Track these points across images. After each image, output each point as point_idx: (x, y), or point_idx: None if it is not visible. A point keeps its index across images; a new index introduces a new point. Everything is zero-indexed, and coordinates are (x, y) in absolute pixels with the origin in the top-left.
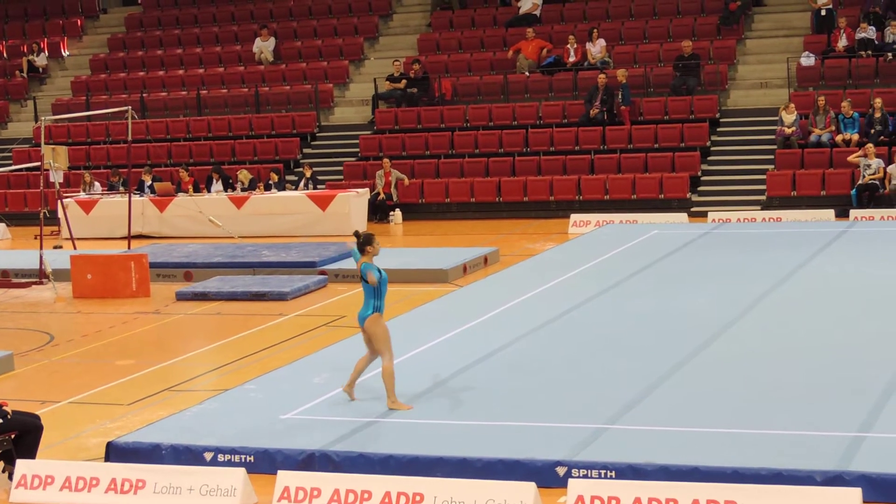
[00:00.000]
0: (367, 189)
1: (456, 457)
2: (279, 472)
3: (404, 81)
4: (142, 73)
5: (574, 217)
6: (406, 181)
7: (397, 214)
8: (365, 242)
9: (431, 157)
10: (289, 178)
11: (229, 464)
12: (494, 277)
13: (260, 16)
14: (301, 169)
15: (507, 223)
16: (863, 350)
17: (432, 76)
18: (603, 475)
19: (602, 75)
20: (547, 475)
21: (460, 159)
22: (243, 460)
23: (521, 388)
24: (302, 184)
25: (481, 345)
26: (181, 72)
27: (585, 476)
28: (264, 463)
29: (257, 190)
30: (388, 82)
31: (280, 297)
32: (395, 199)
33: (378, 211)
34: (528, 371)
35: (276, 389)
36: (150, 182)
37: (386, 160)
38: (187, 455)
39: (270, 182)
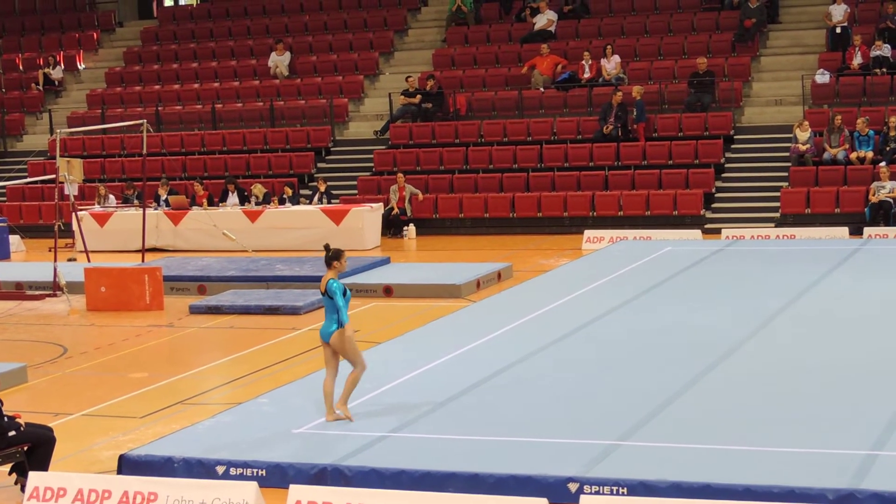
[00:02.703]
0: (381, 204)
1: (468, 472)
2: (291, 486)
3: (419, 97)
4: (157, 87)
5: (588, 233)
6: (420, 196)
7: (411, 229)
8: (333, 258)
9: (445, 172)
10: (303, 192)
11: (241, 477)
12: (508, 293)
13: (275, 30)
14: (315, 183)
15: (521, 239)
16: (876, 368)
17: (447, 91)
18: (615, 492)
19: (617, 94)
20: (559, 491)
21: (474, 174)
22: (255, 474)
23: (533, 403)
24: (316, 198)
25: (494, 360)
26: (196, 85)
27: (597, 492)
28: (276, 477)
29: (272, 204)
30: (402, 97)
31: (293, 311)
32: (408, 213)
33: (392, 226)
34: (541, 387)
35: (288, 403)
36: (165, 196)
37: (400, 175)
38: (199, 468)
39: (285, 196)
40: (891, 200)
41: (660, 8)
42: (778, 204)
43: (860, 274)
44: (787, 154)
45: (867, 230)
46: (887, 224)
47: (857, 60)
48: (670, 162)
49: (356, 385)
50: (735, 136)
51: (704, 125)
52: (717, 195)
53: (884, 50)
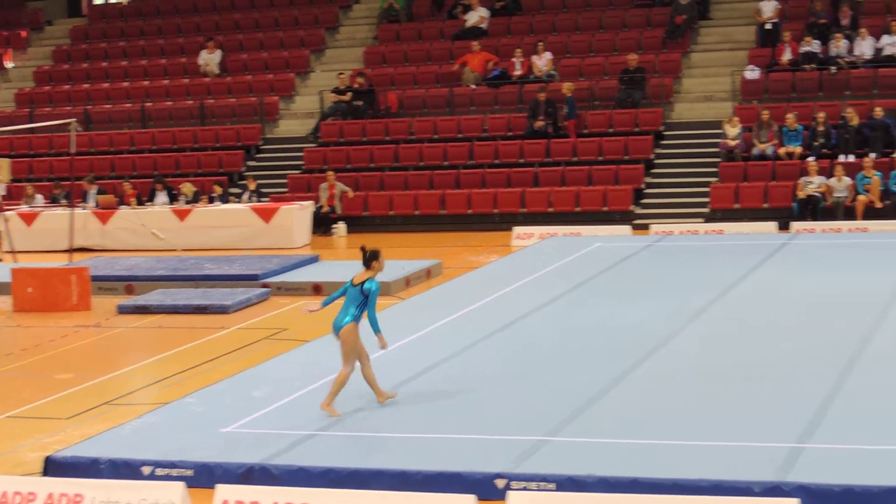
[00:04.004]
0: (311, 202)
1: (395, 469)
2: (218, 485)
3: (350, 94)
4: (86, 86)
5: (517, 230)
6: (350, 194)
7: (341, 227)
8: (371, 258)
9: (376, 169)
10: (232, 190)
11: (168, 478)
12: (437, 290)
13: (206, 28)
14: (245, 181)
15: (451, 236)
16: (802, 361)
17: (378, 89)
18: (543, 487)
19: (542, 92)
20: (486, 488)
21: (405, 172)
22: (182, 474)
23: (462, 400)
24: (246, 196)
25: (423, 358)
26: (126, 84)
27: (525, 488)
28: (203, 477)
29: (201, 203)
30: (333, 95)
31: (222, 310)
32: (338, 211)
33: (322, 224)
34: (470, 383)
35: (216, 403)
36: (94, 191)
37: (330, 173)
38: (126, 469)
39: (214, 195)
40: (819, 195)
41: (591, 5)
42: (707, 199)
43: (788, 269)
44: (716, 150)
45: (795, 225)
46: (815, 219)
47: (787, 56)
48: (600, 158)
49: (343, 387)
50: (665, 132)
51: (635, 121)
52: (646, 191)
53: (813, 46)
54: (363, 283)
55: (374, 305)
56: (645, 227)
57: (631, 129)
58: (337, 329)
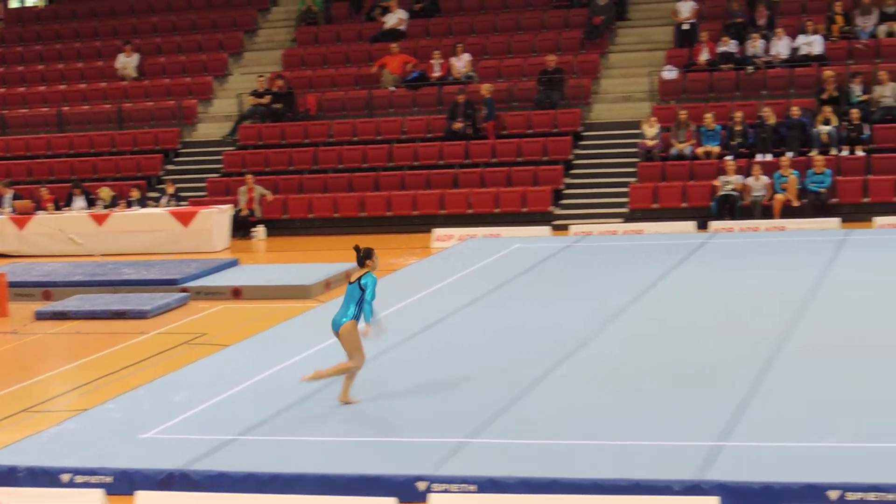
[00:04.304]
0: (231, 205)
1: (317, 473)
2: (137, 492)
3: (268, 97)
4: (2, 90)
5: (437, 231)
6: (269, 197)
7: (260, 230)
8: (365, 257)
9: (295, 172)
10: (151, 194)
11: (87, 485)
12: None
13: (123, 31)
14: (163, 185)
15: (371, 238)
16: (721, 360)
17: (297, 91)
18: (464, 489)
19: (461, 93)
20: (408, 490)
21: (324, 175)
22: (102, 481)
23: (383, 403)
24: (164, 200)
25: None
26: (43, 88)
27: (446, 490)
28: (123, 484)
29: (119, 207)
30: (252, 98)
31: (141, 315)
32: (258, 215)
33: (241, 227)
34: (390, 386)
35: (135, 409)
36: (10, 196)
37: (249, 176)
38: (44, 477)
39: (132, 198)
40: (736, 194)
41: (509, 6)
42: (626, 199)
43: (706, 268)
44: (634, 150)
45: (713, 224)
46: (733, 218)
47: (704, 56)
48: (519, 159)
49: (354, 377)
50: (584, 133)
51: (553, 122)
52: (565, 192)
53: (730, 46)
54: (360, 279)
55: (372, 296)
56: (564, 227)
57: (550, 130)
58: (336, 327)
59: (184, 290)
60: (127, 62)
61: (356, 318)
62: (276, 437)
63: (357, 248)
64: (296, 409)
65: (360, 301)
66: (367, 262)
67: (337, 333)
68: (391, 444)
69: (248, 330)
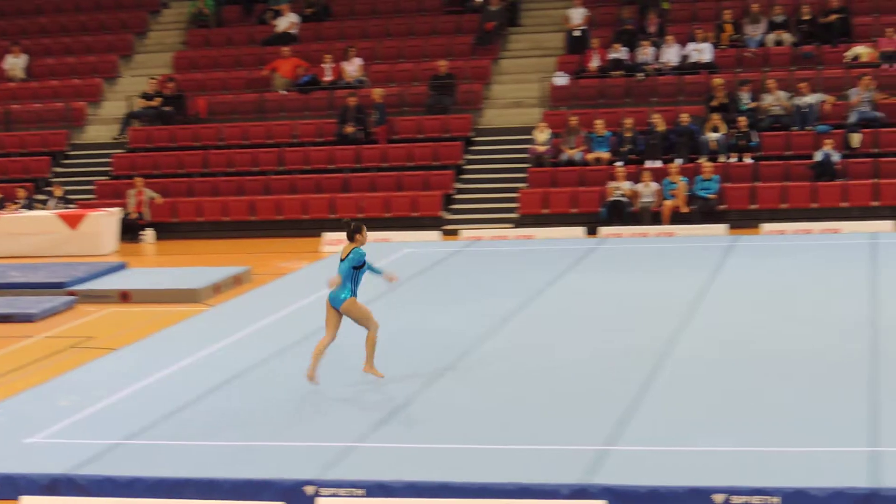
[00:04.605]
0: (119, 208)
1: (204, 478)
2: (21, 497)
3: (159, 99)
4: None
5: (327, 236)
6: (158, 200)
7: (149, 234)
8: (355, 231)
9: (185, 175)
10: (38, 197)
11: None
12: (246, 297)
13: (11, 32)
14: (51, 188)
15: (261, 242)
16: (610, 364)
17: (187, 94)
18: (352, 493)
19: (352, 97)
20: (295, 495)
21: (214, 178)
22: None
23: (271, 407)
24: (52, 203)
25: (232, 364)
26: None
27: (334, 495)
28: (7, 488)
29: (5, 209)
30: (142, 100)
31: (27, 318)
32: (147, 218)
33: (130, 230)
34: (279, 390)
35: (20, 413)
36: None
37: (138, 179)
38: None
39: (18, 201)
40: (626, 200)
41: (401, 11)
42: (516, 205)
43: (596, 273)
44: (525, 155)
45: (603, 230)
46: (622, 223)
47: (595, 63)
48: (410, 164)
49: (375, 346)
50: (475, 138)
51: (444, 127)
52: (456, 196)
53: (621, 53)
54: (349, 255)
55: (369, 265)
56: (455, 232)
57: (441, 135)
58: (337, 304)
59: (71, 294)
60: (15, 63)
61: (354, 294)
62: (163, 441)
63: (347, 223)
64: (183, 412)
65: (355, 279)
66: (357, 236)
67: (335, 310)
68: (279, 448)
69: (136, 334)
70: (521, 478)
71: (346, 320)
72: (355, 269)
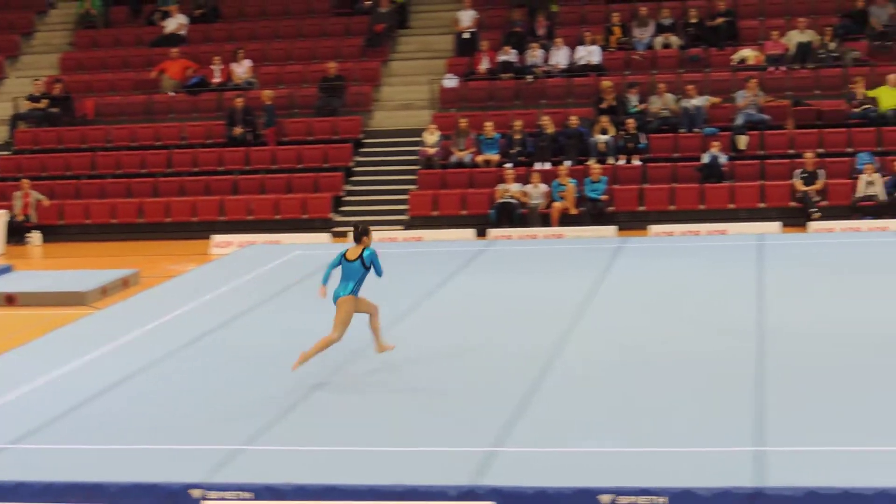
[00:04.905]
0: (5, 210)
1: (90, 482)
2: None
3: (46, 101)
4: None
5: (216, 238)
6: (45, 202)
7: (36, 236)
8: (362, 233)
9: (72, 177)
10: None
11: None
12: (134, 299)
13: None
14: None
15: (149, 244)
16: (499, 365)
17: (74, 96)
18: (240, 497)
19: (239, 99)
20: (182, 498)
21: (102, 180)
22: None
23: (157, 410)
24: None
25: (119, 368)
26: None
27: (221, 498)
28: None
29: None
30: (28, 102)
31: None
32: (33, 220)
33: (16, 233)
34: (167, 393)
35: None
36: None
37: (25, 181)
38: None
39: None
40: (515, 202)
41: (291, 13)
42: (406, 207)
43: (485, 275)
44: (415, 157)
45: (492, 232)
46: (511, 225)
47: (485, 65)
48: (300, 166)
49: (379, 325)
50: (364, 140)
51: (334, 129)
52: (345, 199)
53: (510, 55)
54: (360, 256)
55: (379, 265)
56: (344, 234)
57: (330, 137)
58: (334, 300)
59: None
60: None
61: (355, 293)
62: (48, 445)
63: (355, 225)
64: (70, 416)
65: (361, 278)
66: (364, 238)
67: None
68: (165, 451)
69: (22, 337)
70: (410, 480)
71: (356, 318)
72: (366, 268)
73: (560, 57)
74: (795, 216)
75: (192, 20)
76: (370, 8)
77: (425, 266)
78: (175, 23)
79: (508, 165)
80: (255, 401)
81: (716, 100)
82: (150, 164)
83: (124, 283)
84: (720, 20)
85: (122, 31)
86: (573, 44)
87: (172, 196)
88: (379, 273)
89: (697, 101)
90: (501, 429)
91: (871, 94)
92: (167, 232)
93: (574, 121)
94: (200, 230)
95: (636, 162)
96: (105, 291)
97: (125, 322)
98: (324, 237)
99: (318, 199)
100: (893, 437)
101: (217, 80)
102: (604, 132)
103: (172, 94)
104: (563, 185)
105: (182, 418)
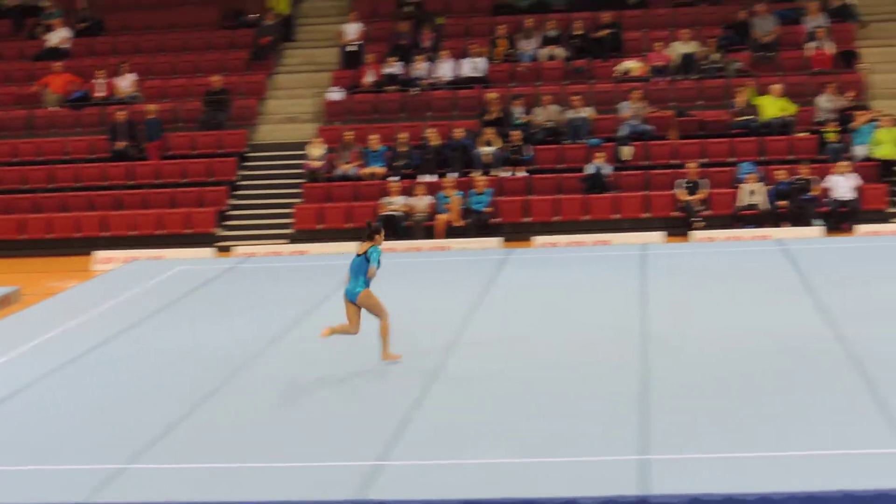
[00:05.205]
0: None
1: None
2: None
3: None
4: None
5: (98, 254)
6: None
7: None
8: (374, 231)
9: None
10: None
11: None
12: (14, 318)
13: None
14: None
15: (31, 261)
16: (384, 378)
17: None
18: None
19: (121, 112)
20: None
21: None
22: None
23: (39, 430)
24: None
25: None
26: None
27: None
28: None
29: None
30: None
31: None
32: None
33: None
34: (48, 413)
35: None
36: None
37: None
38: None
39: None
40: (400, 214)
41: (175, 26)
42: (291, 220)
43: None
44: (300, 171)
45: None
46: (396, 237)
47: (370, 78)
48: (184, 180)
49: (388, 331)
50: (249, 154)
51: (219, 143)
52: (230, 213)
53: (395, 67)
54: (366, 252)
55: (375, 258)
56: (228, 249)
57: (215, 151)
58: (353, 297)
59: None
60: None
61: (367, 286)
62: None
63: (368, 223)
64: None
65: (366, 272)
66: (376, 236)
67: (355, 303)
68: (47, 472)
69: None
70: (295, 495)
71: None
72: (369, 263)
73: (445, 69)
74: (678, 226)
75: (76, 34)
76: (255, 21)
77: (310, 280)
78: (58, 36)
79: (393, 178)
80: (139, 418)
81: (590, 112)
82: (32, 180)
83: (4, 301)
84: (605, 32)
85: (4, 45)
86: (458, 56)
87: (54, 212)
88: (370, 262)
89: (582, 113)
90: (386, 442)
91: (755, 101)
92: (49, 248)
93: (459, 133)
94: (83, 246)
95: (521, 173)
96: None
97: (4, 341)
98: (207, 252)
99: (202, 213)
100: (773, 443)
101: (101, 94)
102: (489, 144)
103: (55, 108)
104: (448, 197)
105: (64, 438)
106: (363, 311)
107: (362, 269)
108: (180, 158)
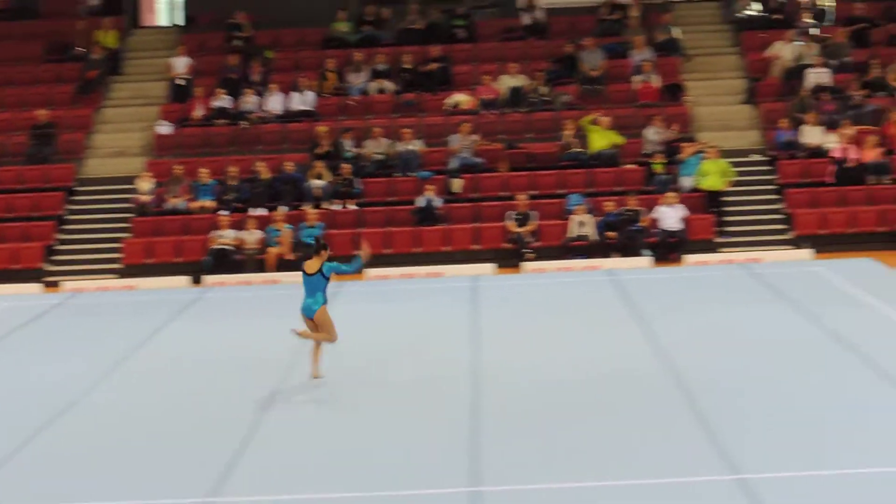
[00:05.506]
0: None
1: None
2: None
3: None
4: None
5: None
6: None
7: None
8: (322, 247)
9: None
10: None
11: None
12: None
13: None
14: None
15: None
16: (214, 413)
17: None
18: None
19: None
20: None
21: None
22: None
23: None
24: None
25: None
26: None
27: None
28: None
29: None
30: None
31: None
32: None
33: None
34: None
35: None
36: None
37: None
38: None
39: None
40: (231, 248)
41: (1, 60)
42: (120, 255)
43: (200, 322)
44: (129, 205)
45: (207, 279)
46: (227, 271)
47: (199, 112)
48: (10, 215)
49: (318, 349)
50: (77, 188)
51: (45, 177)
52: (58, 248)
53: (225, 101)
54: (321, 269)
55: (341, 268)
56: (56, 284)
57: (42, 185)
58: (310, 313)
59: None
60: None
61: (326, 302)
62: None
63: (316, 239)
64: None
65: (324, 288)
66: (323, 251)
67: (312, 319)
68: None
69: None
70: None
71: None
72: (326, 279)
73: (275, 103)
74: (509, 257)
75: None
76: (82, 55)
77: (139, 315)
78: None
79: (224, 212)
80: None
81: (422, 147)
82: None
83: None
84: (434, 66)
85: None
86: (288, 89)
87: None
88: (339, 271)
89: (412, 146)
90: (217, 478)
91: (589, 127)
92: None
93: (289, 166)
94: None
95: (352, 206)
96: None
97: None
98: (35, 288)
99: (29, 248)
100: (602, 472)
101: None
102: (319, 177)
103: None
104: (279, 230)
105: None
106: (328, 320)
107: (319, 286)
108: (6, 193)
